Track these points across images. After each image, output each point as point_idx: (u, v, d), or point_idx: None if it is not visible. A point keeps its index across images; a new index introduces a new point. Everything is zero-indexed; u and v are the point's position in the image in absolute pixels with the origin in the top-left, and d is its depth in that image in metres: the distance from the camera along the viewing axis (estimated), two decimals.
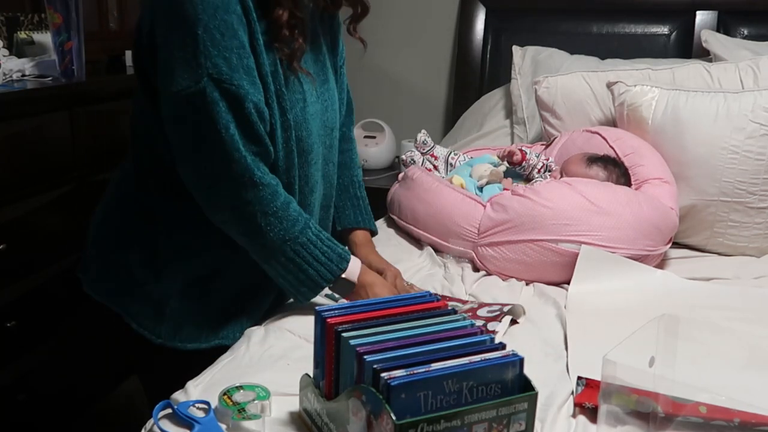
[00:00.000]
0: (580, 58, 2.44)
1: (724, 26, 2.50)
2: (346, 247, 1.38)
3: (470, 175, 1.88)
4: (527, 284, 1.62)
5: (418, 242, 1.83)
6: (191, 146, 1.21)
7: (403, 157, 2.05)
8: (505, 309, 1.37)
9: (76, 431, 2.11)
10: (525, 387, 0.91)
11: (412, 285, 1.49)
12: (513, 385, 0.90)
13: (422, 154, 2.02)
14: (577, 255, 1.57)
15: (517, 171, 1.88)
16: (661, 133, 1.85)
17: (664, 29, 2.59)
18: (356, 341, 0.92)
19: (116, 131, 2.11)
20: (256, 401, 1.04)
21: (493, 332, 1.28)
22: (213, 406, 1.05)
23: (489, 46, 2.77)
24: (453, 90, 2.90)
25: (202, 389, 1.11)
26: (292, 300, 1.42)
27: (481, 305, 1.41)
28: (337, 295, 1.43)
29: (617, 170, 1.78)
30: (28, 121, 1.82)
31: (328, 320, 0.97)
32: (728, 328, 1.39)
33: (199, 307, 1.35)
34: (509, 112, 2.50)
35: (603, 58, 2.41)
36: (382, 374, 0.85)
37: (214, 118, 1.17)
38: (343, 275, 1.31)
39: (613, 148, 1.85)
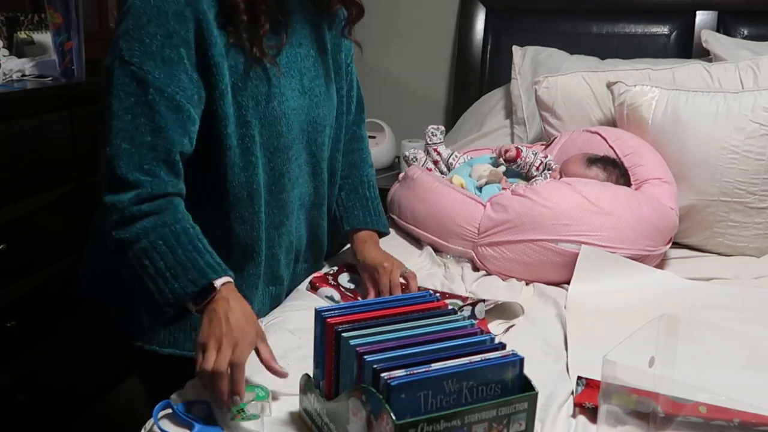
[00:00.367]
0: (580, 58, 2.44)
1: (724, 26, 2.50)
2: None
3: (470, 175, 1.88)
4: (527, 284, 1.62)
5: (418, 242, 1.83)
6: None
7: (406, 153, 2.05)
8: (500, 302, 1.37)
9: (76, 431, 2.12)
10: (525, 387, 0.91)
11: (407, 275, 1.44)
12: (513, 385, 0.91)
13: (427, 144, 2.02)
14: (577, 255, 1.57)
15: (514, 169, 1.88)
16: (661, 133, 1.85)
17: (664, 29, 2.59)
18: (356, 341, 0.92)
19: None
20: (255, 401, 1.03)
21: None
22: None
23: (489, 46, 2.77)
24: (453, 90, 2.90)
25: (202, 389, 1.11)
26: (292, 301, 1.42)
27: (478, 301, 1.41)
28: (336, 297, 1.43)
29: (617, 171, 1.78)
30: (28, 121, 1.82)
31: (328, 320, 0.97)
32: (728, 328, 1.38)
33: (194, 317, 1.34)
34: (509, 112, 2.50)
35: (603, 58, 2.41)
36: (382, 374, 0.85)
37: (113, 100, 1.15)
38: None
39: (613, 148, 1.85)
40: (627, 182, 1.77)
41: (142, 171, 1.14)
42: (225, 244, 1.28)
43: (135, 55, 1.14)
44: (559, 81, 2.13)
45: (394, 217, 1.93)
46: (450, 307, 1.07)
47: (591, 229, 1.59)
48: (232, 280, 1.13)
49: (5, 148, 1.75)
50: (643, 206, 1.64)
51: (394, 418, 0.82)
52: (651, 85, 1.91)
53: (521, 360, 0.91)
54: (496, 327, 1.37)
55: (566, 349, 1.29)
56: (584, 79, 2.11)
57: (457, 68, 2.85)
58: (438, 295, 1.23)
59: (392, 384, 0.84)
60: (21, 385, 1.86)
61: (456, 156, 2.03)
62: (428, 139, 2.02)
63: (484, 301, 1.40)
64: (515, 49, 2.56)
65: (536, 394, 0.91)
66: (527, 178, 1.88)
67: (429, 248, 1.77)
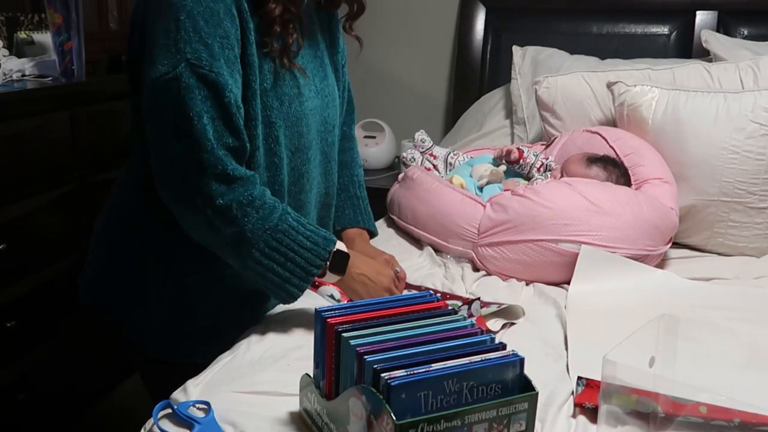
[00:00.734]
0: (580, 58, 2.44)
1: (724, 26, 2.50)
2: (330, 232, 1.31)
3: (470, 175, 1.88)
4: (527, 284, 1.62)
5: (418, 242, 1.83)
6: (163, 136, 1.17)
7: (404, 155, 2.05)
8: (501, 307, 1.37)
9: (76, 431, 2.11)
10: (525, 387, 0.91)
11: (399, 275, 1.43)
12: (513, 385, 0.91)
13: (421, 153, 2.02)
14: (577, 255, 1.57)
15: (515, 170, 1.89)
16: (661, 133, 1.85)
17: (664, 29, 2.59)
18: (356, 341, 0.92)
19: (116, 131, 2.11)
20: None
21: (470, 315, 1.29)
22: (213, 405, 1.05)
23: (489, 46, 2.77)
24: (453, 90, 2.90)
25: (202, 389, 1.11)
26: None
27: (475, 299, 1.40)
28: (337, 296, 1.43)
29: (617, 170, 1.78)
30: (28, 121, 1.82)
31: (329, 320, 0.97)
32: (728, 328, 1.39)
33: (191, 320, 1.34)
34: (509, 112, 2.50)
35: (603, 58, 2.41)
36: (383, 374, 0.85)
37: (188, 105, 1.13)
38: (336, 250, 1.26)
39: (613, 148, 1.85)
40: (627, 182, 1.77)
41: (241, 167, 1.19)
42: None
43: (203, 58, 1.13)
44: (559, 81, 2.13)
45: (394, 217, 1.93)
46: (450, 307, 1.07)
47: (591, 229, 1.59)
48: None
49: (5, 148, 1.75)
50: (643, 206, 1.64)
51: (394, 418, 0.82)
52: (651, 85, 1.91)
53: (521, 360, 0.91)
54: (493, 324, 1.37)
55: (566, 349, 1.29)
56: (584, 79, 2.11)
57: (457, 68, 2.85)
58: (438, 295, 1.23)
59: (392, 384, 0.84)
60: (21, 385, 1.86)
61: (455, 154, 2.03)
62: (420, 149, 2.02)
63: (479, 299, 1.40)
64: (515, 49, 2.56)
65: (536, 394, 0.91)
66: (527, 178, 1.88)
67: (429, 248, 1.77)
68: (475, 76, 2.79)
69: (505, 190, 1.78)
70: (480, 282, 1.62)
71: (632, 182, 1.77)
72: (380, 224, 1.97)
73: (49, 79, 2.00)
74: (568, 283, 1.56)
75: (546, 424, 1.04)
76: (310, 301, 1.28)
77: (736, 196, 1.78)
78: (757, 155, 1.76)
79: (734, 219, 1.80)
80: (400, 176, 1.98)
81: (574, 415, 1.08)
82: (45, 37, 2.16)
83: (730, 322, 1.42)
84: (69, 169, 1.96)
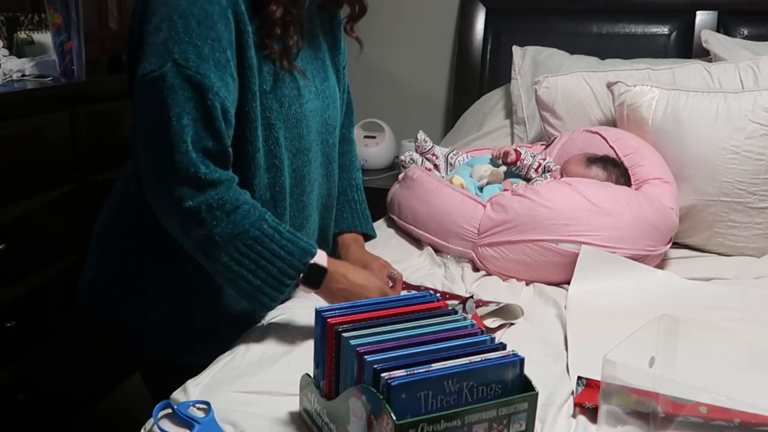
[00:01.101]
0: (580, 58, 2.44)
1: (724, 26, 2.50)
2: (311, 242, 1.25)
3: (470, 176, 1.88)
4: (527, 284, 1.62)
5: (418, 242, 1.83)
6: (145, 134, 1.17)
7: (402, 158, 2.05)
8: (499, 306, 1.37)
9: (76, 431, 2.11)
10: (525, 387, 0.91)
11: (395, 277, 1.42)
12: (513, 385, 0.91)
13: (422, 154, 2.02)
14: (577, 255, 1.57)
15: (513, 171, 1.89)
16: (661, 133, 1.85)
17: (664, 29, 2.59)
18: (356, 341, 0.92)
19: (116, 131, 2.11)
20: None
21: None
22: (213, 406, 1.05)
23: (489, 46, 2.77)
24: (453, 90, 2.90)
25: (202, 389, 1.11)
26: (293, 300, 1.42)
27: (479, 305, 1.40)
28: None
29: (617, 170, 1.78)
30: (28, 121, 1.82)
31: (329, 320, 0.97)
32: (728, 328, 1.39)
33: (192, 321, 1.34)
34: (509, 112, 2.50)
35: (603, 58, 2.41)
36: (383, 374, 0.85)
37: (169, 105, 1.12)
38: (312, 263, 1.21)
39: (613, 148, 1.85)
40: (627, 182, 1.77)
41: (218, 171, 1.17)
42: None
43: (190, 59, 1.12)
44: (559, 81, 2.13)
45: (394, 217, 1.93)
46: (450, 307, 1.07)
47: (591, 229, 1.59)
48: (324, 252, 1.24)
49: (5, 148, 1.75)
50: (643, 206, 1.64)
51: (394, 418, 0.82)
52: (651, 85, 1.91)
53: (521, 360, 0.91)
54: (491, 323, 1.36)
55: (566, 349, 1.29)
56: (584, 79, 2.11)
57: (457, 68, 2.85)
58: (438, 295, 1.23)
59: (392, 384, 0.84)
60: (21, 385, 1.86)
61: (455, 154, 2.03)
62: (422, 149, 2.02)
63: (472, 296, 1.40)
64: (515, 49, 2.56)
65: (536, 394, 0.91)
66: (526, 179, 1.88)
67: (429, 248, 1.77)
68: (475, 76, 2.79)
69: (504, 190, 1.78)
70: (480, 282, 1.62)
71: (632, 182, 1.77)
72: (380, 224, 1.98)
73: (49, 79, 2.00)
74: (568, 283, 1.56)
75: (546, 424, 1.04)
76: (310, 301, 1.28)
77: (736, 196, 1.78)
78: (757, 155, 1.76)
79: (734, 219, 1.80)
80: (400, 176, 1.98)
81: (574, 415, 1.08)
82: (45, 37, 2.16)
83: (730, 322, 1.42)
84: (69, 169, 1.96)
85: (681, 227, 1.77)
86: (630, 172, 1.78)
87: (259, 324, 1.34)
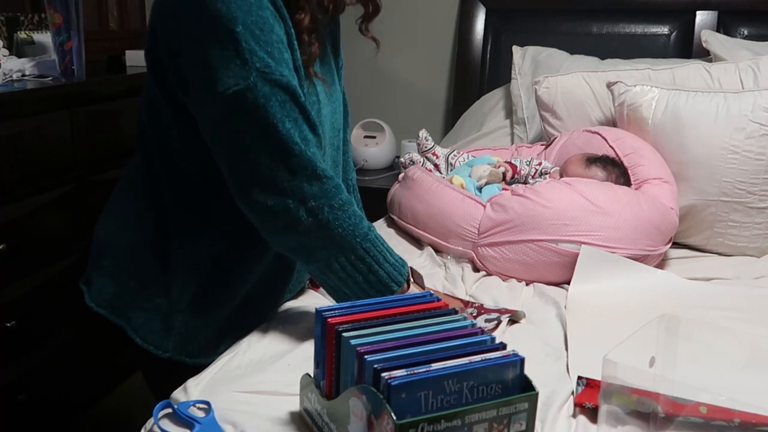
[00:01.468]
0: (580, 58, 2.44)
1: (724, 26, 2.50)
2: None
3: (470, 176, 1.88)
4: (527, 284, 1.62)
5: (418, 242, 1.83)
6: (242, 147, 1.16)
7: (402, 159, 2.05)
8: (503, 318, 1.37)
9: (76, 431, 2.12)
10: (525, 387, 0.91)
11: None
12: (513, 385, 0.91)
13: (423, 152, 2.02)
14: (577, 255, 1.57)
15: (513, 181, 1.88)
16: (661, 133, 1.85)
17: (664, 29, 2.60)
18: (357, 341, 0.92)
19: (116, 131, 2.11)
20: None
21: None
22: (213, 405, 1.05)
23: (489, 46, 2.77)
24: (453, 90, 2.90)
25: (202, 389, 1.11)
26: (294, 300, 1.42)
27: (480, 312, 1.40)
28: None
29: (616, 170, 1.78)
30: (28, 121, 1.82)
31: (329, 320, 0.97)
32: (728, 328, 1.39)
33: (209, 321, 1.34)
34: (509, 112, 2.50)
35: (603, 58, 2.41)
36: (383, 374, 0.85)
37: (269, 112, 1.13)
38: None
39: (613, 148, 1.85)
40: (627, 181, 1.77)
41: (329, 168, 1.20)
42: (263, 251, 1.31)
43: (270, 64, 1.13)
44: (559, 81, 2.13)
45: (394, 217, 1.93)
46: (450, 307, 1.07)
47: (591, 229, 1.59)
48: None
49: (5, 148, 1.75)
50: (643, 206, 1.64)
51: (394, 418, 0.82)
52: (651, 85, 1.91)
53: (522, 360, 0.91)
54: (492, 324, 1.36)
55: (566, 349, 1.29)
56: (584, 79, 2.11)
57: (457, 68, 2.85)
58: (438, 296, 1.23)
59: (393, 384, 0.84)
60: (21, 385, 1.86)
61: (455, 155, 2.03)
62: (423, 148, 2.02)
63: (483, 308, 1.39)
64: (515, 49, 2.56)
65: (537, 394, 0.91)
66: (524, 183, 1.88)
67: (429, 248, 1.77)
68: (475, 76, 2.79)
69: (503, 190, 1.78)
70: (480, 282, 1.62)
71: (632, 182, 1.77)
72: (380, 224, 1.98)
73: (49, 79, 2.00)
74: (568, 283, 1.56)
75: (546, 424, 1.04)
76: (310, 301, 1.28)
77: (736, 196, 1.78)
78: (757, 155, 1.76)
79: (734, 219, 1.80)
80: (401, 176, 1.98)
81: (574, 415, 1.08)
82: (45, 37, 2.16)
83: (730, 322, 1.42)
84: (69, 169, 1.96)
85: (681, 227, 1.77)
86: (630, 172, 1.78)
87: (260, 324, 1.34)
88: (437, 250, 1.77)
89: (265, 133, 1.14)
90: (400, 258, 1.27)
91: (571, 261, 1.57)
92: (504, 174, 1.86)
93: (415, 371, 0.86)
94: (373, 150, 2.79)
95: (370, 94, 2.92)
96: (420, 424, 0.84)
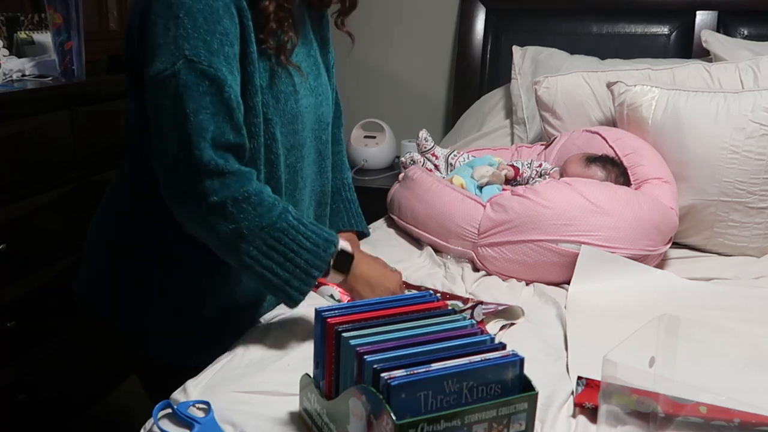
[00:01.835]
0: (580, 58, 2.44)
1: (724, 26, 2.50)
2: (333, 232, 1.27)
3: (471, 176, 1.88)
4: (527, 284, 1.62)
5: (418, 242, 1.83)
6: (161, 132, 1.17)
7: (402, 159, 2.05)
8: (500, 308, 1.37)
9: (76, 431, 2.11)
10: (525, 387, 0.91)
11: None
12: (513, 385, 0.91)
13: (423, 153, 2.02)
14: (577, 255, 1.57)
15: (515, 183, 1.89)
16: (661, 133, 1.85)
17: (664, 29, 2.59)
18: (356, 341, 0.92)
19: (116, 131, 2.09)
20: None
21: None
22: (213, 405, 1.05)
23: (489, 46, 2.77)
24: (453, 90, 2.90)
25: (201, 389, 1.11)
26: None
27: (477, 303, 1.40)
28: (337, 296, 1.43)
29: (616, 170, 1.78)
30: (28, 121, 1.82)
31: (328, 320, 0.97)
32: (728, 328, 1.39)
33: (195, 324, 1.34)
34: (509, 112, 2.50)
35: (603, 58, 2.41)
36: (383, 374, 0.85)
37: (185, 101, 1.13)
38: (340, 250, 1.23)
39: (613, 148, 1.85)
40: (626, 181, 1.77)
41: (237, 164, 1.18)
42: None
43: (201, 54, 1.13)
44: (559, 81, 2.13)
45: (394, 217, 1.93)
46: (450, 308, 1.07)
47: (591, 229, 1.59)
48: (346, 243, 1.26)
49: (5, 148, 1.75)
50: (643, 206, 1.64)
51: (394, 418, 0.82)
52: (651, 85, 1.91)
53: (521, 360, 0.91)
54: (493, 326, 1.37)
55: (566, 349, 1.29)
56: (584, 79, 2.11)
57: (457, 68, 2.85)
58: (438, 295, 1.23)
59: (392, 384, 0.84)
60: (21, 385, 1.85)
61: (455, 155, 2.03)
62: (423, 148, 2.02)
63: (482, 303, 1.39)
64: (515, 49, 2.56)
65: (536, 394, 0.91)
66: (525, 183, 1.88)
67: (429, 248, 1.77)
68: (475, 76, 2.79)
69: (503, 189, 1.78)
70: (480, 282, 1.62)
71: (632, 182, 1.77)
72: (380, 224, 1.98)
73: (49, 79, 2.00)
74: (568, 283, 1.56)
75: (546, 424, 1.04)
76: (310, 301, 1.28)
77: (736, 196, 1.78)
78: (757, 155, 1.76)
79: (734, 219, 1.80)
80: (401, 176, 1.98)
81: (574, 415, 1.08)
82: (45, 37, 2.16)
83: (730, 322, 1.42)
84: (69, 169, 1.96)
85: (681, 227, 1.77)
86: (630, 172, 1.78)
87: (259, 324, 1.34)
88: (437, 250, 1.77)
89: (178, 121, 1.14)
90: (325, 240, 1.21)
91: (571, 261, 1.57)
92: (506, 177, 1.86)
93: (415, 371, 0.86)
94: (373, 150, 2.79)
95: (370, 94, 2.92)
96: (420, 425, 0.84)
